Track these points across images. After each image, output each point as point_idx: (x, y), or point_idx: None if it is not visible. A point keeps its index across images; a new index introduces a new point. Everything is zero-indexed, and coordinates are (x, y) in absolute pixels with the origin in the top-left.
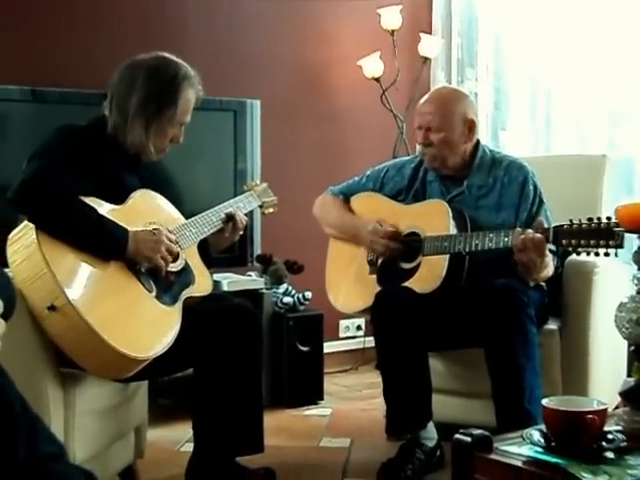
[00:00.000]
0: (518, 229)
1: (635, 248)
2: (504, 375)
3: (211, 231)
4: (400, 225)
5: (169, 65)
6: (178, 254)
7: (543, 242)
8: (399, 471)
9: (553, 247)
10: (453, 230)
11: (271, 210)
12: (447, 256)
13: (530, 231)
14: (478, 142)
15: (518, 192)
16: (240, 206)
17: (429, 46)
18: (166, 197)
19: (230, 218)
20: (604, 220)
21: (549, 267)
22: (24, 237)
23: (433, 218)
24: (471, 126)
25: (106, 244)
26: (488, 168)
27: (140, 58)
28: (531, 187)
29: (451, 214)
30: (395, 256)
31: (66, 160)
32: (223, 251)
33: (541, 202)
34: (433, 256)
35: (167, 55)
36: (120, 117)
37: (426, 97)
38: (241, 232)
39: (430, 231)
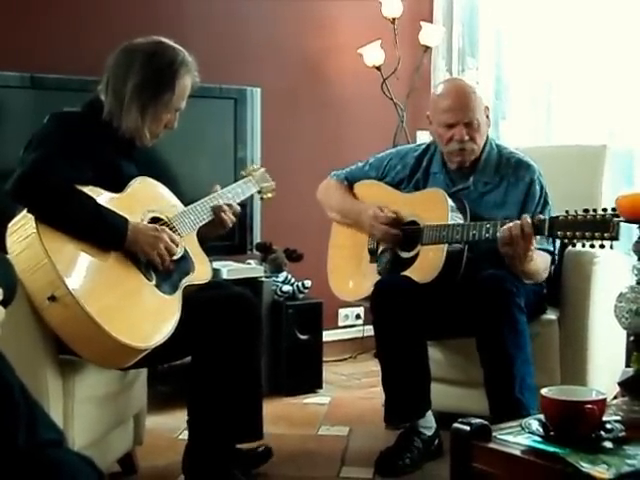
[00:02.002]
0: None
1: (635, 238)
2: (494, 365)
3: (210, 218)
4: (400, 214)
5: (167, 50)
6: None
7: (529, 235)
8: (397, 459)
9: (550, 247)
10: (452, 219)
11: (270, 195)
12: (445, 246)
13: (518, 222)
14: (487, 137)
15: (524, 191)
16: (238, 192)
17: (430, 35)
18: (162, 182)
19: (216, 213)
20: (600, 212)
21: (542, 267)
22: (23, 227)
23: (432, 207)
24: (487, 112)
25: (105, 234)
26: (495, 165)
27: (137, 42)
28: (537, 188)
29: (450, 203)
30: (394, 243)
31: (63, 149)
32: (215, 239)
33: (546, 203)
34: (432, 245)
35: (164, 40)
36: (116, 101)
37: (450, 92)
38: (228, 228)
39: (429, 220)
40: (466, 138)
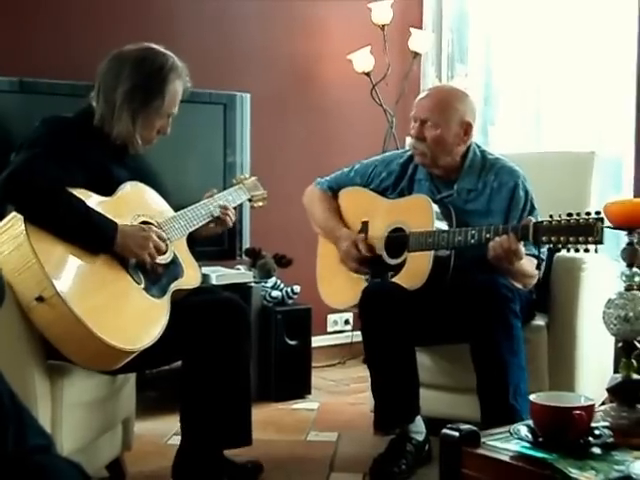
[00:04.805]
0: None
1: (623, 245)
2: (489, 371)
3: (200, 224)
4: (386, 220)
5: (156, 56)
6: (166, 245)
7: (517, 250)
8: (392, 466)
9: (535, 252)
10: (437, 225)
11: (260, 204)
12: (432, 252)
13: (505, 237)
14: (470, 143)
15: (507, 198)
16: (229, 199)
17: (419, 41)
18: (151, 188)
19: (217, 218)
20: (584, 216)
21: (528, 274)
22: (12, 227)
23: (417, 213)
24: (467, 129)
25: (94, 237)
26: (478, 171)
27: (127, 49)
28: (522, 193)
29: (435, 209)
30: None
31: (54, 151)
32: (210, 241)
33: (533, 208)
34: (418, 252)
35: (154, 46)
36: (107, 108)
37: (428, 91)
38: (228, 227)
39: (414, 226)
40: (412, 133)
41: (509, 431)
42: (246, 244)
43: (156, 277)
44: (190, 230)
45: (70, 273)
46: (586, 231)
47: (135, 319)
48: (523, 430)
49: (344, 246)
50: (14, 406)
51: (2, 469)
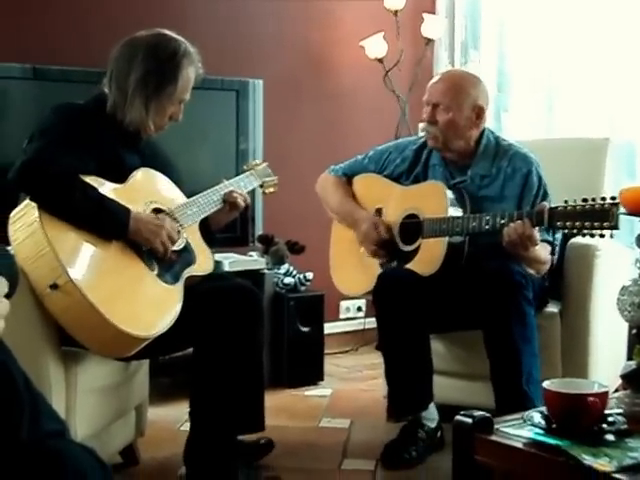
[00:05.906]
0: (512, 224)
1: (638, 231)
2: (502, 357)
3: (212, 210)
4: (400, 207)
5: (169, 42)
6: (179, 233)
7: (531, 236)
8: (403, 452)
9: (550, 238)
10: (451, 212)
11: (272, 190)
12: (446, 238)
13: (520, 223)
14: (484, 129)
15: (521, 184)
16: (241, 185)
17: (432, 27)
18: (164, 174)
19: (225, 201)
20: (599, 201)
21: (542, 260)
22: (26, 215)
23: (431, 200)
24: (479, 113)
25: (107, 224)
26: (492, 157)
27: (140, 35)
28: (535, 179)
29: (449, 195)
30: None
31: (66, 139)
32: (224, 229)
33: (545, 194)
34: (432, 238)
35: (167, 32)
36: (120, 94)
37: (440, 75)
38: (241, 209)
39: (429, 213)
40: (426, 118)
41: (522, 418)
42: (259, 231)
43: (169, 264)
44: (202, 216)
45: (84, 260)
46: (601, 216)
47: (149, 306)
48: (536, 417)
49: (364, 228)
50: (29, 392)
51: (17, 454)
